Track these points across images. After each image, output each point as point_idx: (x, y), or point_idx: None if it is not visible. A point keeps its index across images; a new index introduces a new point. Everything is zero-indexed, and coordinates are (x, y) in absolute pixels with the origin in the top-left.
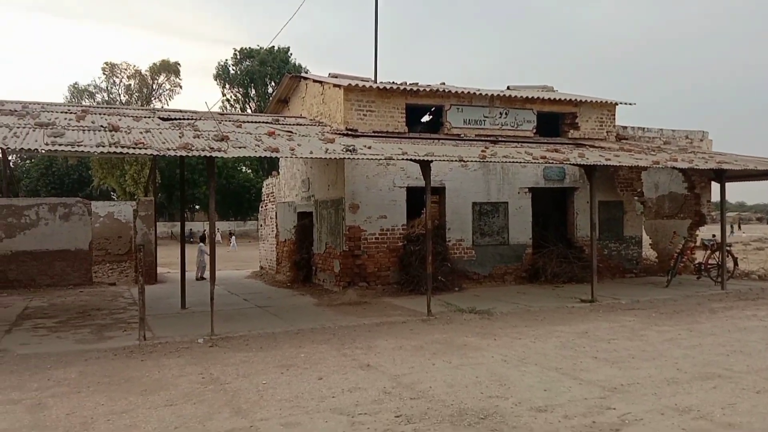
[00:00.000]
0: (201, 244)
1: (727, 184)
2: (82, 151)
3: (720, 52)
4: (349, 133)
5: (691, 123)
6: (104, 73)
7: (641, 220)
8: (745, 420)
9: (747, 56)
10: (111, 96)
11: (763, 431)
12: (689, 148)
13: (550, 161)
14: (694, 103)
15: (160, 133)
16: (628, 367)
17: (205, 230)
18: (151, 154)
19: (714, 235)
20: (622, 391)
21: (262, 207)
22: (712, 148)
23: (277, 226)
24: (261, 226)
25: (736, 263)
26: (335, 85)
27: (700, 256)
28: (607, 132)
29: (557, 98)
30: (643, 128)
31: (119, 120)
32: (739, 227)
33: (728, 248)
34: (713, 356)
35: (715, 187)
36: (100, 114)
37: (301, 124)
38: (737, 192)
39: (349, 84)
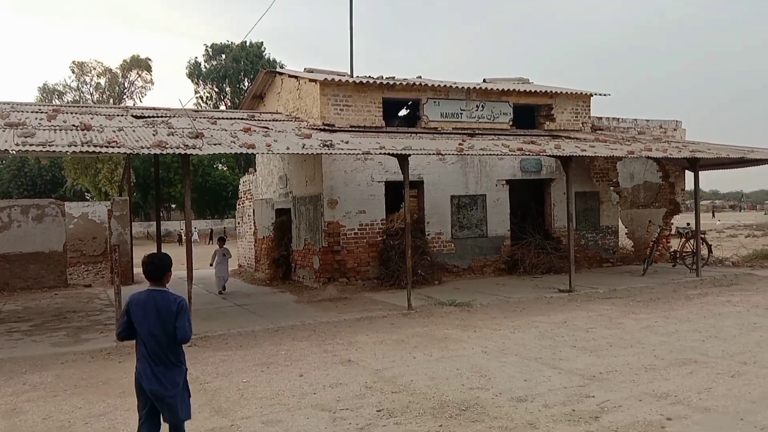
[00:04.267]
0: (218, 247)
1: (701, 173)
2: (54, 151)
3: (692, 41)
4: (326, 128)
5: (665, 112)
6: (73, 72)
7: (617, 210)
8: (720, 404)
9: (719, 45)
10: (81, 95)
11: (738, 414)
12: (663, 138)
13: (527, 153)
14: (668, 92)
15: (134, 131)
16: (607, 355)
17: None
18: (125, 153)
19: (688, 224)
20: (601, 379)
21: (239, 204)
22: (685, 137)
23: (255, 223)
24: (239, 223)
25: (710, 250)
26: (311, 80)
27: (675, 244)
28: (582, 123)
29: (533, 90)
30: (618, 119)
31: (91, 119)
32: (713, 215)
33: (702, 236)
34: (689, 342)
35: (689, 175)
36: (71, 113)
37: (277, 120)
38: (711, 180)
39: (325, 79)
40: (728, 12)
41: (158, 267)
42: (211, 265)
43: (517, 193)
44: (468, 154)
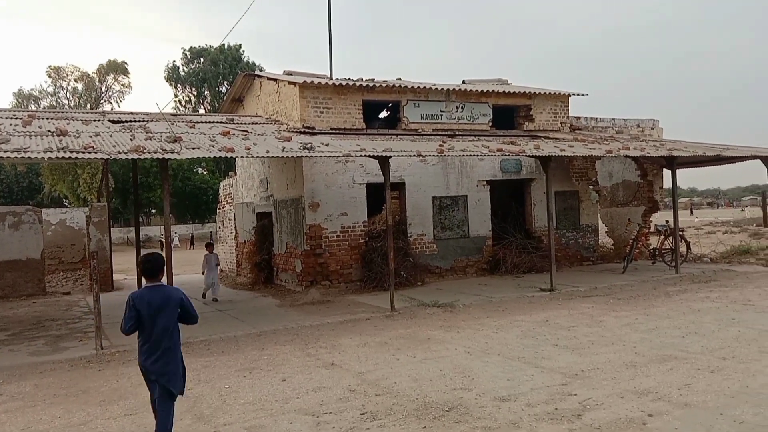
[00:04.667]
0: (207, 252)
1: (679, 171)
2: (30, 158)
3: (672, 43)
4: (306, 130)
5: (645, 111)
6: (50, 77)
7: (597, 209)
8: (701, 399)
9: (698, 46)
10: (58, 100)
11: (717, 408)
12: (641, 137)
13: (507, 153)
14: (646, 92)
15: (111, 136)
16: (588, 353)
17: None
18: (102, 158)
19: (667, 221)
20: (583, 376)
21: (219, 209)
22: (663, 135)
23: (236, 227)
24: (219, 228)
25: (689, 247)
26: (290, 83)
27: (654, 241)
28: (561, 123)
29: (512, 91)
30: (596, 118)
31: (68, 124)
32: (691, 212)
33: (681, 233)
34: (669, 339)
35: (666, 173)
36: (47, 118)
37: (256, 123)
38: (688, 178)
39: (305, 81)
40: (711, 14)
41: (155, 265)
42: (203, 273)
43: (498, 194)
44: (448, 155)
